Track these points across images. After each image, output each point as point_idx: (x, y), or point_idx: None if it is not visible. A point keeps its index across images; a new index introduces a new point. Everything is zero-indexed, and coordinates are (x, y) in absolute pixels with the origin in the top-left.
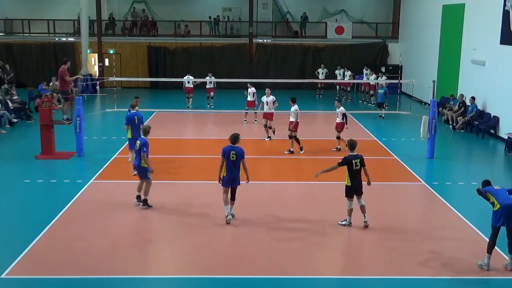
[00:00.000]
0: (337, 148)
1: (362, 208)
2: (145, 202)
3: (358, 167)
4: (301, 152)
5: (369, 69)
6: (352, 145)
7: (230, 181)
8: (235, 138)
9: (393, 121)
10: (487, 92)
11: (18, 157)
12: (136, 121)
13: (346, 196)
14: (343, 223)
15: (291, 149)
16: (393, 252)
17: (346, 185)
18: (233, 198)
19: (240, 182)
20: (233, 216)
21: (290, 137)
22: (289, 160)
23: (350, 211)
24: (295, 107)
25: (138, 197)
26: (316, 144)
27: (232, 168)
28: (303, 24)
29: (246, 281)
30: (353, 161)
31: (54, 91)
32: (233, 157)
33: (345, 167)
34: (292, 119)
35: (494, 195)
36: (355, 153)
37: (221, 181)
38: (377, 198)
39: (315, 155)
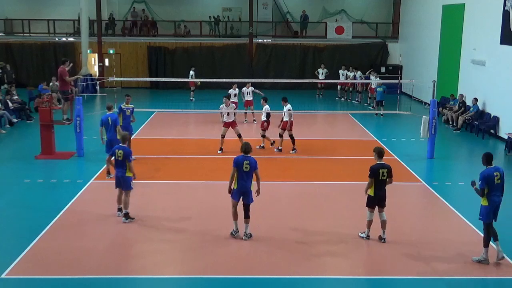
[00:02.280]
0: (260, 146)
1: (383, 223)
2: (127, 215)
3: (385, 177)
4: (275, 150)
5: (350, 68)
6: (380, 152)
7: (241, 194)
8: (248, 148)
9: (393, 121)
10: (487, 92)
11: (18, 157)
12: (110, 123)
13: (367, 206)
14: (362, 235)
15: (280, 147)
16: (392, 252)
17: (368, 195)
18: (247, 215)
19: (253, 196)
20: (251, 235)
21: (281, 136)
22: (287, 160)
23: (369, 223)
24: (288, 107)
25: (121, 209)
26: (314, 144)
27: (244, 179)
28: (304, 24)
29: (246, 282)
30: (380, 170)
31: (54, 91)
32: (246, 167)
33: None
34: (286, 118)
35: (489, 191)
36: (383, 162)
37: (230, 193)
38: None
39: (312, 155)
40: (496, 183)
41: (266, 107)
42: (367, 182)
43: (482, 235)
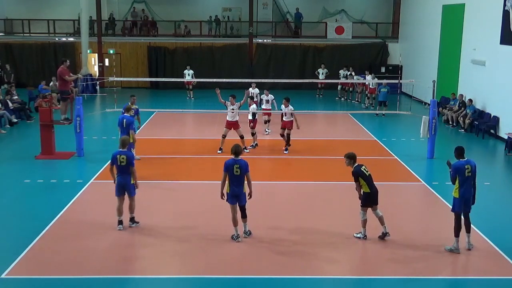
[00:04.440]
0: (255, 144)
1: (381, 220)
2: (133, 219)
3: (369, 172)
4: (285, 152)
5: (349, 69)
6: (353, 156)
7: (235, 197)
8: (238, 150)
9: (393, 121)
10: (487, 92)
11: (18, 157)
12: (124, 125)
13: (362, 206)
14: (358, 235)
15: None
16: (392, 252)
17: (364, 192)
18: (244, 216)
19: (246, 198)
20: (250, 233)
21: (283, 135)
22: (286, 160)
23: (364, 222)
24: (290, 107)
25: (121, 221)
26: (314, 144)
27: (235, 183)
28: (298, 21)
29: (246, 282)
30: (361, 169)
31: (54, 91)
32: (237, 171)
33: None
34: (286, 118)
35: (459, 183)
36: (357, 163)
37: (224, 197)
38: None
39: (312, 155)
40: (466, 176)
41: (290, 107)
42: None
43: (482, 235)
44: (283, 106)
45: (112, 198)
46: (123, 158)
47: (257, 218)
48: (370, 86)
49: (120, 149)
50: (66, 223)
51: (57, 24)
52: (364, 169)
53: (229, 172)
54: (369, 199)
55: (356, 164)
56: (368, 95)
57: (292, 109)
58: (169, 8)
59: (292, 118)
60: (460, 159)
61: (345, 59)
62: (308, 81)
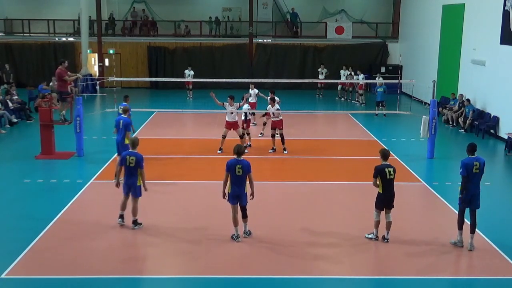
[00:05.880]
0: (248, 144)
1: (388, 225)
2: (136, 222)
3: (392, 176)
4: (269, 151)
5: (348, 68)
6: (385, 154)
7: (236, 198)
8: (240, 151)
9: (393, 121)
10: (487, 92)
11: (18, 157)
12: (121, 126)
13: (375, 207)
14: (370, 236)
15: (274, 147)
16: (392, 252)
17: (378, 193)
18: (244, 216)
19: (248, 199)
20: (250, 233)
21: (273, 136)
22: (286, 160)
23: (377, 223)
24: (276, 107)
25: (122, 216)
26: (314, 144)
27: (237, 183)
28: (294, 20)
29: (246, 282)
30: (386, 169)
31: (54, 91)
32: (239, 171)
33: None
34: (274, 118)
35: (469, 178)
36: (388, 163)
37: (225, 197)
38: None
39: (312, 155)
40: (474, 172)
41: (277, 107)
42: (368, 183)
43: (482, 235)
44: (269, 106)
45: (112, 198)
46: (132, 159)
47: (257, 218)
48: (360, 83)
49: (130, 150)
50: (66, 223)
51: (57, 24)
52: (389, 171)
53: (231, 172)
54: (381, 201)
55: (384, 163)
56: (359, 91)
57: (278, 108)
58: (169, 8)
59: (281, 117)
60: (470, 156)
61: (345, 59)
62: (308, 81)
